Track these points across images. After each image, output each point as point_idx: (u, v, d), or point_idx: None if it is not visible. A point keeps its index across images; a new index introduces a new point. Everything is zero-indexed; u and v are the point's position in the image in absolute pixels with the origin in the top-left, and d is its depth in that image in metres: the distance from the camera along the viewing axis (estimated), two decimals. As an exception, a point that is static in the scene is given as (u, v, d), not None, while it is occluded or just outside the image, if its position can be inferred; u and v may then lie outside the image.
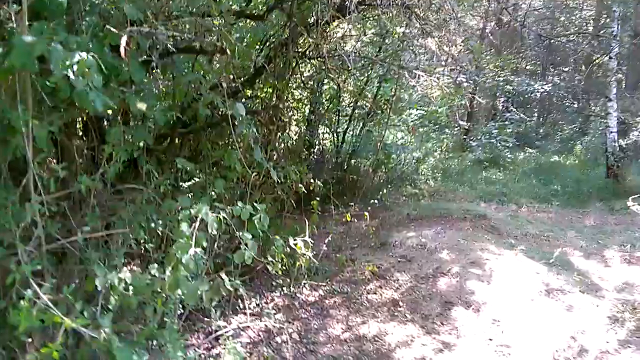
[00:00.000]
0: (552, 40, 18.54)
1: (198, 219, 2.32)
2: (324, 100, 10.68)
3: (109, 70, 2.21)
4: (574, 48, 19.17)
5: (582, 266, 6.55)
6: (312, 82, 9.33)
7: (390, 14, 4.65)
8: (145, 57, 2.75)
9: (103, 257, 2.58)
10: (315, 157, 10.14)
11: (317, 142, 10.66)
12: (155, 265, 2.44)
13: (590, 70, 17.49)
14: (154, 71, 3.00)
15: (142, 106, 2.48)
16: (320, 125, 10.94)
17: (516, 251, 6.59)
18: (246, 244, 2.65)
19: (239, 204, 2.63)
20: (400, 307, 5.00)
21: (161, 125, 3.04)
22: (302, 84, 8.42)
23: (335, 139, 10.64)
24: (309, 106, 10.09)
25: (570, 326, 4.92)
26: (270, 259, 3.60)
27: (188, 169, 3.36)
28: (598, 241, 7.67)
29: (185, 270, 2.24)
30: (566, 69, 19.66)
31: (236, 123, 2.57)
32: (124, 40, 2.15)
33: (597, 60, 13.55)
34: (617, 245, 7.47)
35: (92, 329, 2.01)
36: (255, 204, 2.81)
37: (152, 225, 2.79)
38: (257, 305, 4.69)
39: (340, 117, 10.77)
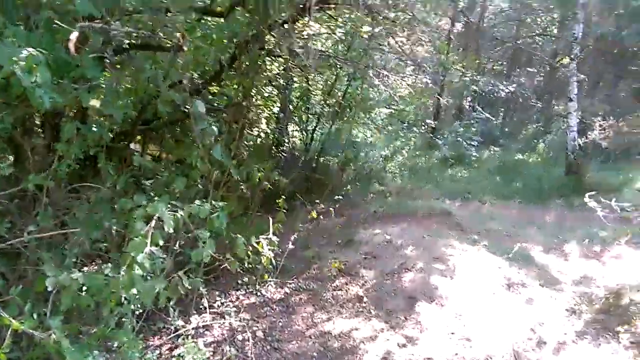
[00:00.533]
0: (518, 42, 19.07)
1: (154, 218, 2.29)
2: (293, 98, 10.69)
3: (60, 66, 2.15)
4: (539, 49, 19.77)
5: (542, 260, 6.75)
6: (280, 80, 9.33)
7: (355, 14, 4.68)
8: (100, 54, 2.67)
9: (57, 258, 2.52)
10: (284, 155, 10.14)
11: (286, 140, 10.66)
12: (110, 265, 2.38)
13: (553, 72, 18.05)
14: (111, 67, 2.92)
15: (95, 103, 2.43)
16: (289, 124, 10.96)
17: (479, 247, 6.75)
18: (204, 242, 2.62)
19: (197, 202, 2.59)
20: (365, 303, 5.05)
21: (119, 123, 2.97)
22: (270, 82, 8.39)
23: (305, 137, 10.65)
24: (278, 104, 10.08)
25: (529, 318, 5.07)
26: (229, 257, 3.56)
27: (149, 167, 3.30)
28: (558, 236, 7.91)
29: (140, 269, 2.20)
30: (530, 70, 20.22)
31: (195, 120, 2.53)
32: (73, 35, 2.09)
33: (559, 62, 13.95)
34: (575, 240, 7.73)
35: (42, 331, 1.97)
36: (213, 202, 2.78)
37: (107, 224, 2.73)
38: (222, 304, 4.66)
39: (309, 115, 10.79)
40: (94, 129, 2.87)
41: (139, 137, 4.70)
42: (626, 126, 11.56)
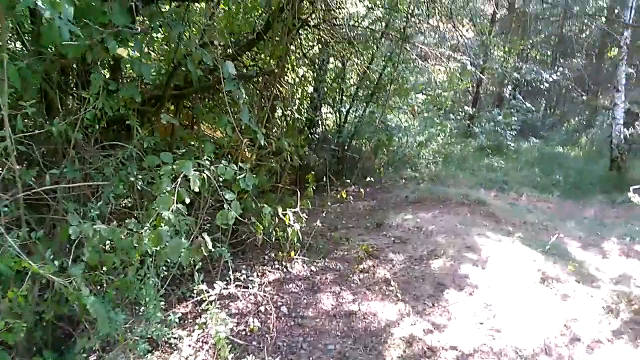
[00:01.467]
0: (564, 30, 18.27)
1: (180, 176, 2.22)
2: (328, 79, 10.53)
3: (87, 9, 2.08)
4: (586, 38, 18.91)
5: (580, 256, 6.47)
6: (317, 60, 9.18)
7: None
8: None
9: (82, 211, 2.49)
10: (316, 135, 10.03)
11: (319, 121, 10.53)
12: (134, 220, 2.34)
13: (600, 62, 17.24)
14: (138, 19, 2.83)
15: (123, 52, 2.35)
16: (323, 105, 10.81)
17: (513, 238, 6.50)
18: (229, 204, 2.54)
19: (223, 162, 2.51)
20: (392, 286, 4.93)
21: (148, 81, 2.91)
22: (305, 55, 8.24)
23: (338, 119, 10.50)
24: (312, 84, 9.94)
25: (563, 314, 4.85)
26: (254, 221, 3.47)
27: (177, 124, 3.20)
28: (597, 233, 7.58)
29: (167, 225, 2.14)
30: (576, 60, 19.37)
31: (224, 82, 2.43)
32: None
33: (608, 51, 13.29)
34: (616, 238, 7.38)
35: (64, 279, 1.94)
36: (240, 164, 2.70)
37: (133, 180, 2.68)
38: (248, 277, 4.63)
39: (343, 97, 10.62)
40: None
41: (172, 107, 4.67)
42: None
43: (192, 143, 4.06)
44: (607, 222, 8.31)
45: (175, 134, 4.33)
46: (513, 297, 4.95)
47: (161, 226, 2.12)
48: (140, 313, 3.11)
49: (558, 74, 15.97)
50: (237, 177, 2.65)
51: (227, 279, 4.47)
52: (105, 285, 2.61)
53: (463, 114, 15.27)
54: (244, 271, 4.62)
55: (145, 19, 2.88)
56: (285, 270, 5.04)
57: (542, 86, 17.83)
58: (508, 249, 6.04)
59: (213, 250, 2.90)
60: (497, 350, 4.14)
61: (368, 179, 7.64)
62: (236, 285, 3.88)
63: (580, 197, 9.97)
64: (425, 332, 4.28)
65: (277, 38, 4.15)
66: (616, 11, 13.56)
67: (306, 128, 9.72)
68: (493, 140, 13.85)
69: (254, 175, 4.47)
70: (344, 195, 5.30)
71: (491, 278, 5.25)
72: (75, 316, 2.67)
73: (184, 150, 3.10)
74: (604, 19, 16.41)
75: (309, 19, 4.53)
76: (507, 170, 11.72)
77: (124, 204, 2.96)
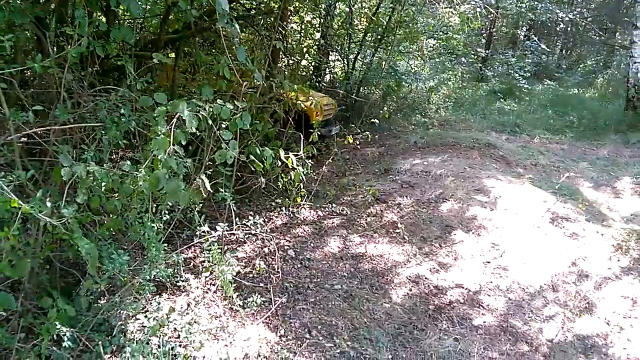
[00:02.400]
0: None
1: (175, 117, 2.16)
2: (335, 25, 10.21)
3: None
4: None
5: (591, 196, 6.40)
6: (323, 5, 8.87)
7: None
8: None
9: (76, 154, 2.48)
10: (324, 84, 9.84)
11: (326, 69, 10.31)
12: (128, 162, 2.31)
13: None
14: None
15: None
16: (331, 52, 10.55)
17: (524, 180, 6.43)
18: (227, 143, 2.49)
19: (219, 101, 2.44)
20: (399, 229, 4.94)
21: (138, 14, 2.79)
22: (312, 6, 7.96)
23: (346, 66, 10.26)
24: (319, 31, 9.66)
25: (572, 252, 4.84)
26: (255, 159, 3.43)
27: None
28: (610, 173, 7.47)
29: (164, 167, 2.10)
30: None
31: (218, 17, 2.33)
32: None
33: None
34: (629, 177, 7.27)
35: (56, 219, 1.94)
36: (237, 103, 2.63)
37: (126, 122, 2.64)
38: (254, 223, 4.66)
39: (351, 43, 10.33)
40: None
41: (171, 53, 4.57)
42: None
43: (193, 90, 3.98)
44: (620, 161, 8.17)
45: (175, 81, 4.26)
46: (521, 236, 4.94)
47: (158, 169, 2.08)
48: (144, 256, 3.15)
49: (575, 13, 15.31)
50: (234, 117, 2.59)
51: (236, 223, 4.50)
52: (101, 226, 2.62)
53: (475, 57, 14.81)
54: (250, 217, 4.65)
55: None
56: (292, 215, 5.06)
57: (558, 27, 17.17)
58: (518, 190, 5.98)
59: (215, 194, 2.89)
60: (503, 288, 4.16)
61: (377, 124, 7.52)
62: (242, 230, 3.89)
63: (594, 138, 9.77)
64: (432, 271, 4.31)
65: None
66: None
67: (313, 75, 9.55)
68: (506, 83, 13.50)
69: (258, 122, 4.44)
70: (351, 141, 5.23)
71: (500, 219, 5.22)
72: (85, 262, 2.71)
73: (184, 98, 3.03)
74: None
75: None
76: (520, 113, 11.48)
77: (120, 148, 2.94)
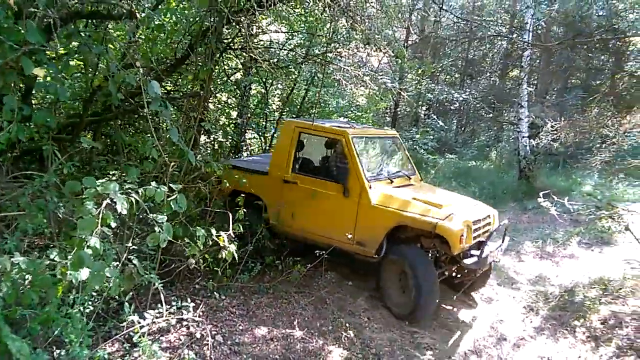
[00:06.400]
0: (469, 54, 19.68)
1: (105, 201, 2.09)
2: (251, 105, 10.55)
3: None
4: (489, 61, 20.47)
5: (499, 261, 6.87)
6: (239, 85, 9.20)
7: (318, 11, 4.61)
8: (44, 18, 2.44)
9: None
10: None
11: (244, 147, 10.47)
12: (55, 251, 2.17)
13: (504, 81, 18.69)
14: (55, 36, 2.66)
15: (39, 72, 2.22)
16: (247, 130, 10.78)
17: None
18: (161, 227, 2.43)
19: (153, 184, 2.40)
20: (327, 304, 4.95)
21: (66, 99, 2.72)
22: (229, 78, 8.20)
23: (263, 143, 10.52)
24: (236, 110, 9.92)
25: (489, 316, 5.13)
26: (188, 242, 3.34)
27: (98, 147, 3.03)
28: (513, 238, 8.09)
29: (91, 250, 1.99)
30: (482, 79, 20.91)
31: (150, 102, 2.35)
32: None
33: (510, 71, 14.37)
34: (529, 242, 7.95)
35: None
36: (171, 185, 2.60)
37: (53, 209, 2.49)
38: (179, 308, 4.44)
39: (267, 122, 10.67)
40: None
41: (88, 135, 4.45)
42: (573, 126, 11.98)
43: (112, 172, 3.85)
44: (520, 227, 8.92)
45: (92, 164, 4.11)
46: (438, 306, 5.16)
47: (83, 248, 1.96)
48: (62, 354, 2.86)
49: (466, 94, 17.11)
50: (168, 200, 2.54)
51: (158, 311, 4.25)
52: (28, 321, 2.38)
53: (383, 133, 15.80)
54: (174, 303, 4.43)
55: (63, 38, 2.74)
56: (217, 298, 4.89)
57: (452, 106, 19.01)
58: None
59: (142, 276, 2.74)
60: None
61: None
62: (173, 317, 3.68)
63: (495, 206, 10.58)
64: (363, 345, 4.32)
65: (199, 62, 4.11)
66: (515, 35, 14.79)
67: (231, 153, 9.64)
68: (413, 158, 14.44)
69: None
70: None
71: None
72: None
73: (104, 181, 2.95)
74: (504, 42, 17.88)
75: (232, 43, 4.52)
76: (427, 185, 12.23)
77: (45, 235, 2.74)
